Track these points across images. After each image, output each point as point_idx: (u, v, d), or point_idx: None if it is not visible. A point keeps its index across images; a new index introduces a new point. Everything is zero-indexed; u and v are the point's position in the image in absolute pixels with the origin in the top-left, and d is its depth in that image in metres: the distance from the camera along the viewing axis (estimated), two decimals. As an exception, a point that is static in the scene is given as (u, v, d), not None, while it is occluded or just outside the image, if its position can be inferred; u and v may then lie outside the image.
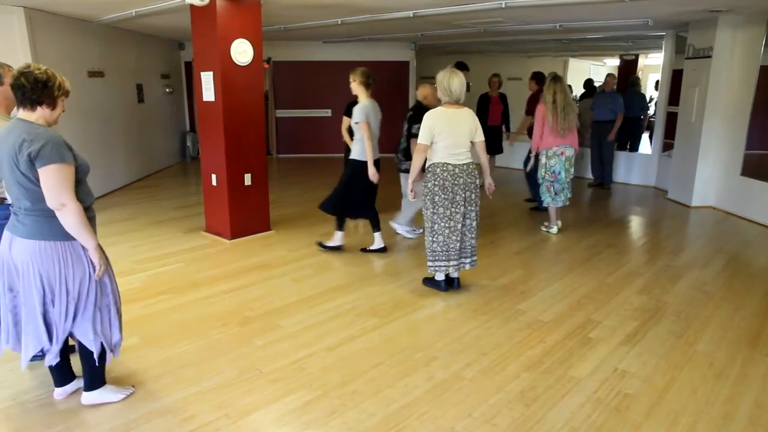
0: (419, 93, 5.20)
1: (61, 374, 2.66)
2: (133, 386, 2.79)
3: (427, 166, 3.87)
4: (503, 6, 5.32)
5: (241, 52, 5.06)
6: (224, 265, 4.71)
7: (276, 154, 11.05)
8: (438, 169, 3.77)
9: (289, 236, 5.51)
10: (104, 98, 7.37)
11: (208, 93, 5.14)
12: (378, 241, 4.95)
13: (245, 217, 5.42)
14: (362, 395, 2.74)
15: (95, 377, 2.61)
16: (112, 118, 7.68)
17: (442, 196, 3.77)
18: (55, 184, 2.20)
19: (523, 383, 2.86)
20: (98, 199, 7.00)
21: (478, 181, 3.87)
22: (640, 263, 4.81)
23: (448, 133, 3.73)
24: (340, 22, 6.82)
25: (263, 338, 3.35)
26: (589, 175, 8.36)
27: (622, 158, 8.40)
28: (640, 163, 8.38)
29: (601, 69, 13.04)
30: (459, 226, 3.82)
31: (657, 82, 8.37)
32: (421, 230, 5.40)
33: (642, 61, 11.40)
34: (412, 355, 3.15)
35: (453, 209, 3.78)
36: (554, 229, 5.64)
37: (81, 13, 6.39)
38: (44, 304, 2.37)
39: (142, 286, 4.20)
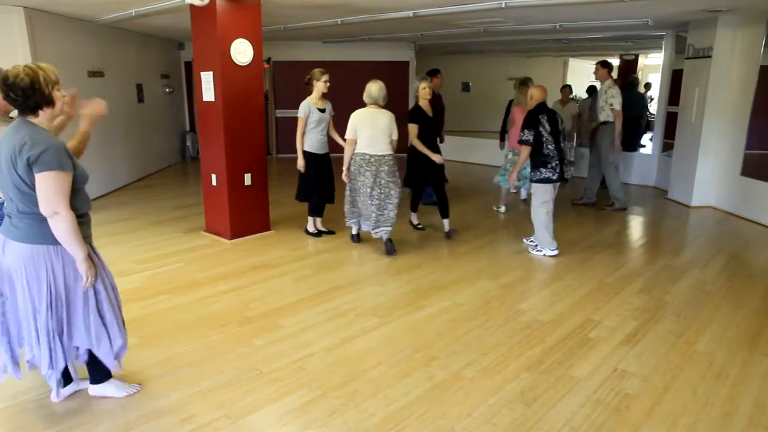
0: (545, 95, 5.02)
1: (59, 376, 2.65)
2: (139, 384, 2.79)
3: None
4: (503, 6, 5.32)
5: (241, 52, 5.05)
6: (224, 265, 4.71)
7: (276, 154, 11.05)
8: (358, 158, 4.79)
9: (289, 236, 5.51)
10: (104, 98, 7.28)
11: (208, 93, 5.14)
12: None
13: (245, 217, 5.41)
14: (362, 395, 2.74)
15: (100, 371, 2.63)
16: (112, 118, 7.67)
17: (359, 177, 4.80)
18: (50, 190, 2.18)
19: (523, 383, 2.86)
20: (98, 199, 7.00)
21: (393, 169, 4.80)
22: (640, 263, 4.81)
23: (368, 129, 4.72)
24: (339, 22, 6.82)
25: (263, 338, 3.35)
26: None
27: (621, 158, 8.38)
28: (640, 163, 8.38)
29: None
30: (375, 200, 4.77)
31: (647, 84, 8.37)
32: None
33: (642, 61, 11.41)
34: (412, 355, 3.15)
35: (370, 188, 4.75)
36: (503, 209, 6.55)
37: (81, 13, 6.39)
38: (35, 310, 2.34)
39: (142, 286, 4.20)
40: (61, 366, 2.45)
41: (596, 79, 7.70)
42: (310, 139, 5.15)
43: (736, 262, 4.85)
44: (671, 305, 3.88)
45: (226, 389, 2.80)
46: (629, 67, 10.94)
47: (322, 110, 5.20)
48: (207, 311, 3.76)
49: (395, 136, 4.83)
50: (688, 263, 4.80)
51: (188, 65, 10.29)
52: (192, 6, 4.92)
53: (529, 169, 5.49)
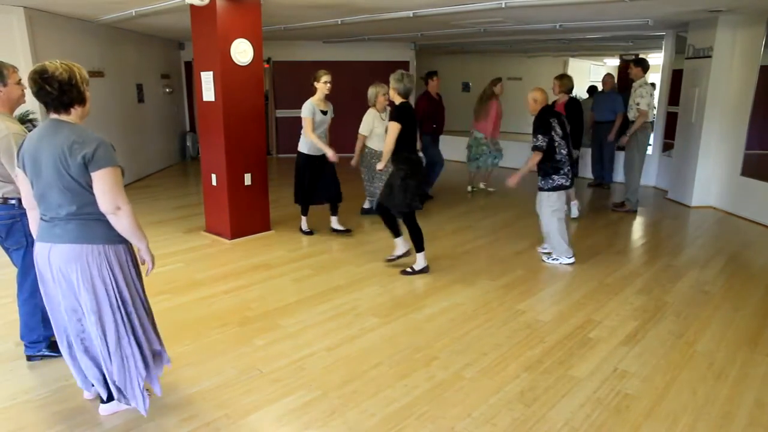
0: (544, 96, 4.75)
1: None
2: (147, 390, 2.76)
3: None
4: (503, 6, 5.33)
5: (241, 52, 5.06)
6: (224, 265, 4.71)
7: (276, 154, 11.05)
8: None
9: (289, 236, 5.52)
10: (104, 98, 7.38)
11: (208, 93, 5.14)
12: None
13: (245, 217, 5.42)
14: (362, 395, 2.75)
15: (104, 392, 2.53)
16: (112, 118, 7.69)
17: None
18: (110, 187, 2.15)
19: (523, 383, 2.86)
20: (98, 199, 7.00)
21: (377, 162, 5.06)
22: (640, 263, 4.81)
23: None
24: (340, 22, 6.82)
25: (263, 338, 3.35)
26: (589, 175, 8.36)
27: (622, 158, 8.38)
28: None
29: (601, 69, 13.05)
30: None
31: (652, 83, 8.35)
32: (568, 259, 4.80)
33: (642, 61, 11.39)
34: (412, 355, 3.15)
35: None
36: (469, 188, 7.60)
37: (81, 13, 6.39)
38: (99, 312, 2.27)
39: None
40: (143, 374, 2.37)
41: (606, 84, 7.73)
42: (308, 141, 5.18)
43: (736, 262, 4.85)
44: (671, 305, 3.88)
45: (226, 389, 2.80)
46: (629, 68, 10.92)
47: (324, 112, 5.20)
48: (207, 311, 3.76)
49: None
50: (688, 263, 4.80)
51: (188, 65, 10.30)
52: (192, 6, 4.92)
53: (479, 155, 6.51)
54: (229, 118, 5.11)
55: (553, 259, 4.76)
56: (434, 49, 11.30)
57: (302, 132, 5.19)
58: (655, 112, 6.55)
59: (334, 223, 5.57)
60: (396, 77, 4.25)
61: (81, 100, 2.22)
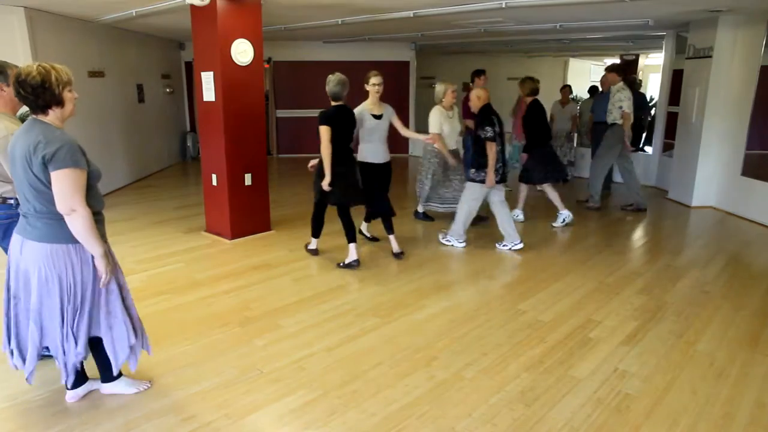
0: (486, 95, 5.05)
1: (74, 377, 2.64)
2: (149, 381, 2.81)
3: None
4: (503, 6, 5.33)
5: (242, 52, 5.06)
6: (224, 265, 4.71)
7: (276, 154, 11.05)
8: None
9: (289, 236, 5.52)
10: (104, 98, 7.38)
11: (209, 93, 5.14)
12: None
13: (245, 217, 5.42)
14: (362, 395, 2.74)
15: (109, 370, 2.62)
16: (113, 118, 7.69)
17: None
18: (66, 188, 2.18)
19: (523, 383, 2.86)
20: (98, 199, 7.00)
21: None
22: (640, 263, 4.81)
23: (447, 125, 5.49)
24: (340, 22, 6.82)
25: (263, 338, 3.35)
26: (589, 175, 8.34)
27: (631, 159, 8.37)
28: (640, 163, 8.36)
29: (602, 69, 13.04)
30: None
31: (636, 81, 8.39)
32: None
33: (642, 61, 11.41)
34: (412, 355, 3.15)
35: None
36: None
37: (81, 13, 6.39)
38: (62, 309, 2.35)
39: (143, 286, 4.20)
40: (81, 356, 2.45)
41: (605, 84, 7.72)
42: (363, 149, 4.69)
43: (736, 262, 4.85)
44: (672, 305, 3.88)
45: (227, 389, 2.80)
46: (629, 68, 10.93)
47: (378, 116, 4.66)
48: (207, 311, 3.76)
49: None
50: (688, 263, 4.79)
51: (189, 65, 10.30)
52: (192, 6, 4.92)
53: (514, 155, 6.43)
54: (230, 118, 5.11)
55: (446, 241, 5.24)
56: (434, 49, 11.30)
57: (360, 140, 4.72)
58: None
59: (393, 243, 4.88)
60: (328, 80, 4.44)
61: (57, 102, 2.24)
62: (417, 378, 2.90)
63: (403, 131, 4.91)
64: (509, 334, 3.42)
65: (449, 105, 5.52)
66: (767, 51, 5.98)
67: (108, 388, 2.72)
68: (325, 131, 4.29)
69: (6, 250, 2.94)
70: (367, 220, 5.30)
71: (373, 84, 4.59)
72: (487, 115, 4.83)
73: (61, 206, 2.21)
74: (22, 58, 5.61)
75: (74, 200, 2.20)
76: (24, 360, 2.48)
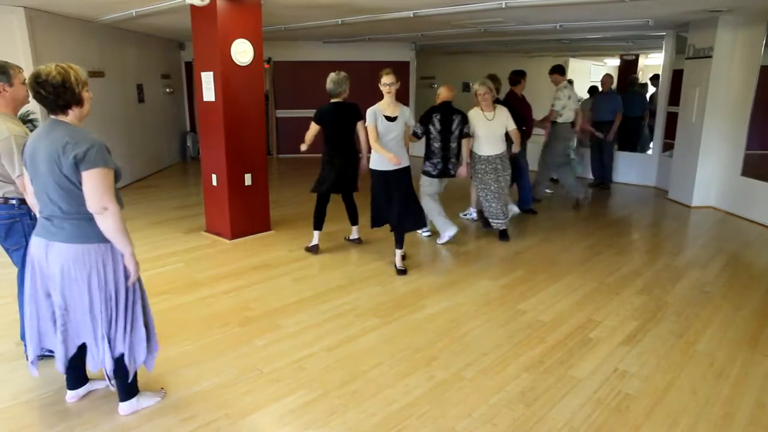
0: (451, 95, 5.20)
1: (74, 377, 2.63)
2: (162, 389, 2.77)
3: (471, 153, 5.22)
4: (503, 6, 5.32)
5: (242, 52, 5.06)
6: (224, 265, 4.71)
7: (276, 154, 11.05)
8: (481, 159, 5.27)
9: (289, 236, 5.52)
10: (104, 98, 7.37)
11: (209, 93, 5.14)
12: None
13: (245, 217, 5.42)
14: (362, 395, 2.75)
15: (131, 386, 2.55)
16: (113, 118, 7.69)
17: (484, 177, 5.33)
18: (98, 187, 2.18)
19: (523, 383, 2.86)
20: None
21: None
22: (640, 263, 4.81)
23: (482, 129, 5.18)
24: (340, 22, 6.82)
25: (263, 338, 3.35)
26: (590, 175, 8.35)
27: (622, 158, 8.40)
28: (640, 163, 8.37)
29: (602, 69, 13.03)
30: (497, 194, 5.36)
31: (655, 75, 8.35)
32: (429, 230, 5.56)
33: (642, 62, 11.39)
34: (412, 355, 3.15)
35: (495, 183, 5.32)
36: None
37: (81, 13, 6.39)
38: (92, 309, 2.33)
39: (143, 286, 4.19)
40: (108, 347, 2.42)
41: (605, 84, 7.75)
42: (374, 154, 4.41)
43: (736, 262, 4.85)
44: (671, 305, 3.88)
45: (227, 389, 2.80)
46: (629, 68, 10.93)
47: (392, 118, 4.33)
48: (207, 311, 3.76)
49: (512, 127, 5.18)
50: (688, 263, 4.80)
51: (189, 65, 10.30)
52: (192, 6, 4.92)
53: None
54: (230, 118, 5.11)
55: (426, 233, 5.46)
56: (434, 49, 11.29)
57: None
58: (571, 114, 6.53)
59: (398, 258, 4.54)
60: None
61: (77, 102, 2.25)
62: (417, 378, 2.90)
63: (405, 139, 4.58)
64: (509, 334, 3.42)
65: (487, 106, 5.14)
66: (767, 51, 5.98)
67: (127, 407, 2.57)
68: (311, 127, 4.75)
69: (7, 250, 2.95)
70: (399, 245, 4.59)
71: (384, 83, 4.28)
72: (427, 113, 5.13)
73: (93, 205, 2.20)
74: (22, 58, 5.61)
75: (106, 199, 2.20)
76: (48, 353, 2.48)
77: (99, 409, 2.62)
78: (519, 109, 5.86)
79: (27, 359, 2.53)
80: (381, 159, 4.35)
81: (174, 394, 2.74)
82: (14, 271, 3.00)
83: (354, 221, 5.23)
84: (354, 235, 5.27)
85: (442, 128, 5.08)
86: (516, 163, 5.84)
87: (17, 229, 2.86)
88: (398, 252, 4.52)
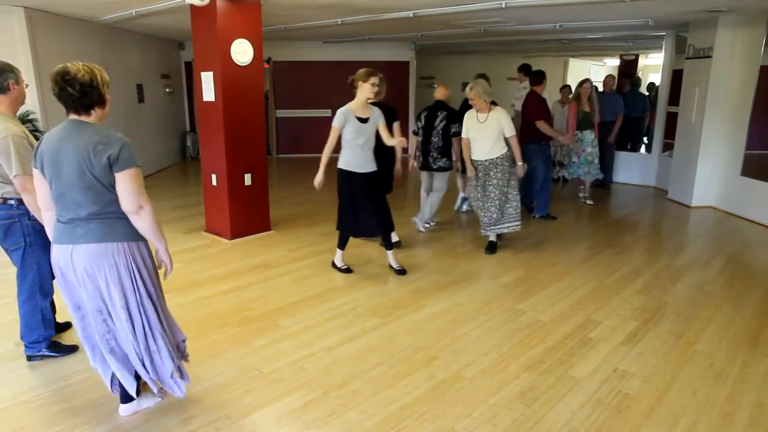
0: (444, 94, 5.54)
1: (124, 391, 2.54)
2: (162, 389, 2.72)
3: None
4: (503, 6, 5.32)
5: (241, 52, 5.06)
6: (224, 265, 4.71)
7: (276, 154, 11.05)
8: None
9: (289, 236, 5.52)
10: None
11: (208, 93, 5.14)
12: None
13: (245, 217, 5.42)
14: (362, 395, 2.75)
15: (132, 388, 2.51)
16: (112, 118, 7.63)
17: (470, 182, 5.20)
18: (134, 187, 2.18)
19: (523, 383, 2.86)
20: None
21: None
22: (640, 263, 4.81)
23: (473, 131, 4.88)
24: (340, 22, 6.82)
25: (263, 338, 3.35)
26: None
27: (622, 158, 8.40)
28: (640, 163, 8.37)
29: (601, 69, 13.05)
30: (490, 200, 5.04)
31: (651, 84, 8.37)
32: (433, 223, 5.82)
33: (642, 61, 11.40)
34: (412, 355, 3.15)
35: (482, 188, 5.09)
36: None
37: (81, 13, 6.39)
38: (128, 308, 2.30)
39: (142, 286, 4.19)
40: (173, 364, 2.42)
41: (607, 84, 7.76)
42: (345, 155, 4.25)
43: (736, 262, 4.85)
44: (671, 305, 3.88)
45: (226, 389, 2.80)
46: (629, 68, 10.93)
47: (365, 120, 4.18)
48: (207, 311, 3.76)
49: (508, 134, 4.71)
50: (688, 263, 4.80)
51: (188, 65, 10.30)
52: (192, 6, 4.92)
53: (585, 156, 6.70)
54: (229, 118, 5.11)
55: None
56: (434, 49, 11.30)
57: (342, 145, 4.29)
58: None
59: (391, 259, 4.52)
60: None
61: (101, 102, 2.23)
62: (417, 378, 2.90)
63: (389, 140, 4.33)
64: (509, 335, 3.42)
65: (481, 106, 4.77)
66: (767, 51, 5.98)
67: (128, 408, 2.55)
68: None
69: (6, 250, 2.95)
70: (341, 245, 4.50)
71: (373, 83, 4.15)
72: (419, 112, 5.56)
73: (129, 205, 2.19)
74: (22, 58, 5.62)
75: (141, 197, 2.21)
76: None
77: (99, 409, 2.62)
78: (542, 110, 5.78)
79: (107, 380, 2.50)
80: (349, 159, 4.20)
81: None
82: (14, 271, 3.01)
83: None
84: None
85: (425, 124, 5.43)
86: (531, 165, 5.77)
87: (16, 229, 2.86)
88: (389, 253, 4.49)
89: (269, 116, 10.65)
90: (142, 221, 2.24)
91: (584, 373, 2.95)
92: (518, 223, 4.93)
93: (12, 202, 2.82)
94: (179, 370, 2.50)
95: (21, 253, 2.90)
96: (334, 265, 4.59)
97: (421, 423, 2.52)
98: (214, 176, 5.34)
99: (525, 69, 7.10)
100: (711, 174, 6.70)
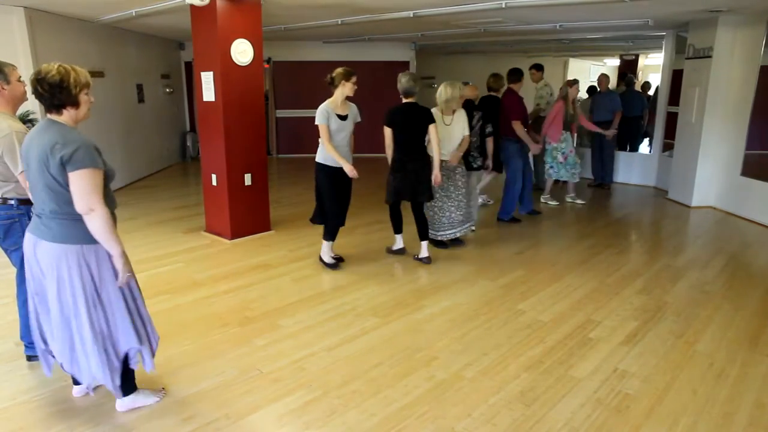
0: (474, 93, 5.56)
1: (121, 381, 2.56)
2: (163, 388, 2.77)
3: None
4: (503, 6, 5.32)
5: (241, 52, 5.06)
6: (224, 265, 4.71)
7: (276, 154, 11.05)
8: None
9: (289, 236, 5.51)
10: (104, 98, 7.37)
11: (208, 93, 5.14)
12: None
13: (245, 217, 5.42)
14: (362, 395, 2.75)
15: (125, 383, 2.54)
16: (112, 118, 7.68)
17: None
18: (85, 188, 2.18)
19: (523, 383, 2.86)
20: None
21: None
22: (640, 263, 4.81)
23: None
24: (340, 22, 6.82)
25: (263, 338, 3.35)
26: (590, 175, 8.35)
27: (622, 158, 8.40)
28: (640, 163, 8.38)
29: (602, 69, 13.02)
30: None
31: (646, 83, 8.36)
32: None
33: (642, 61, 11.41)
34: (412, 355, 3.15)
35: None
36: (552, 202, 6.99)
37: (81, 13, 6.39)
38: (88, 310, 2.31)
39: (142, 286, 4.11)
40: (117, 368, 2.42)
41: (602, 84, 7.76)
42: (325, 152, 4.35)
43: (736, 262, 4.85)
44: (671, 305, 3.88)
45: (226, 389, 2.80)
46: (629, 68, 10.93)
47: (344, 117, 4.36)
48: (207, 311, 3.76)
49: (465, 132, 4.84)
50: (688, 263, 4.80)
51: (188, 65, 10.29)
52: (192, 6, 4.92)
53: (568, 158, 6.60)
54: (229, 118, 5.11)
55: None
56: (434, 49, 11.29)
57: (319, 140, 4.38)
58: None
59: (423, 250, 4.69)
60: (399, 78, 4.57)
61: (72, 103, 2.25)
62: (417, 378, 2.90)
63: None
64: (509, 335, 3.42)
65: (445, 109, 4.87)
66: (767, 51, 5.98)
67: (124, 403, 2.58)
68: (386, 133, 4.53)
69: (6, 250, 2.95)
70: (331, 237, 4.58)
71: (354, 83, 4.31)
72: None
73: (79, 206, 2.20)
74: (22, 58, 5.62)
75: (92, 200, 2.20)
76: (51, 354, 2.48)
77: (99, 408, 2.62)
78: (519, 110, 5.83)
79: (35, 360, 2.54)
80: (328, 155, 4.32)
81: (174, 394, 2.74)
82: (13, 272, 3.01)
83: (424, 235, 4.69)
84: (423, 253, 4.67)
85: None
86: (510, 165, 5.95)
87: (16, 229, 2.86)
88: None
89: (269, 116, 10.64)
90: (92, 224, 2.23)
91: (584, 373, 2.95)
92: (472, 223, 5.20)
93: (12, 202, 2.81)
94: (115, 380, 2.45)
95: (21, 253, 2.90)
96: (321, 260, 4.63)
97: (421, 423, 2.52)
98: (214, 176, 5.34)
99: (537, 67, 7.24)
100: (711, 174, 6.70)
